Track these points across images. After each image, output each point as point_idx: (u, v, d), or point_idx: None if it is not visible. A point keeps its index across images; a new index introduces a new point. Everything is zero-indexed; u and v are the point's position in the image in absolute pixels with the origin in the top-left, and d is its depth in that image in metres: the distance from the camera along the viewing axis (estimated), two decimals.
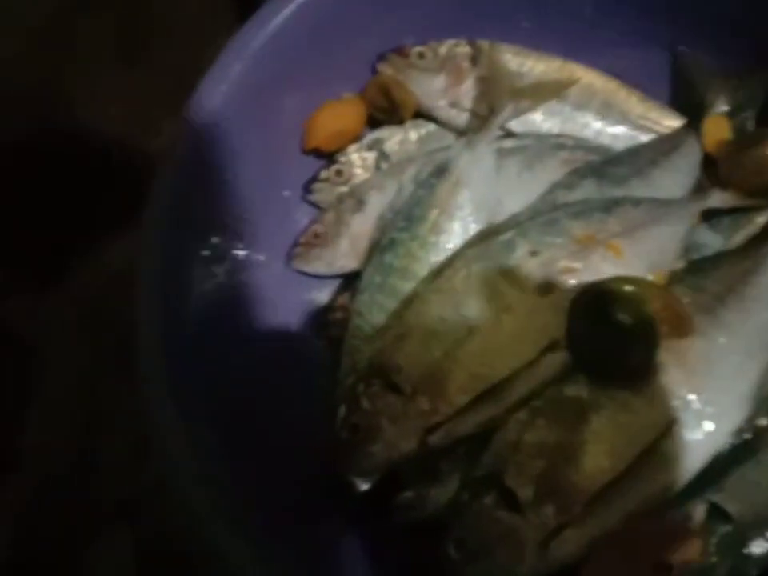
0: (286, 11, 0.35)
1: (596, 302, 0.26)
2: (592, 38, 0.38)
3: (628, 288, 0.26)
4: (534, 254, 0.28)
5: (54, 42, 0.53)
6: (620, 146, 0.36)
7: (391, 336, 0.31)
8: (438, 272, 0.31)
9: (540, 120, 0.36)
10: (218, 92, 0.35)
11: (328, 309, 0.39)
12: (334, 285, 0.40)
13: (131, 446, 0.41)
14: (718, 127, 0.35)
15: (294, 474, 0.33)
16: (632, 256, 0.29)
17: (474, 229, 0.32)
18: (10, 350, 0.46)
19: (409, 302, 0.31)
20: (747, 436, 0.27)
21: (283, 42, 0.36)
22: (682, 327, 0.26)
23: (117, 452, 0.41)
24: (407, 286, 0.33)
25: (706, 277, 0.29)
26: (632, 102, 0.37)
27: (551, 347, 0.27)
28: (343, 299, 0.38)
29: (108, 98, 0.51)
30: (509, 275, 0.28)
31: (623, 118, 0.37)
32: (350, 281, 0.39)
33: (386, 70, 0.38)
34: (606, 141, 0.36)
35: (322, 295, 0.40)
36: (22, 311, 0.46)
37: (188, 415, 0.31)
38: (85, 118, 0.51)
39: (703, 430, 0.26)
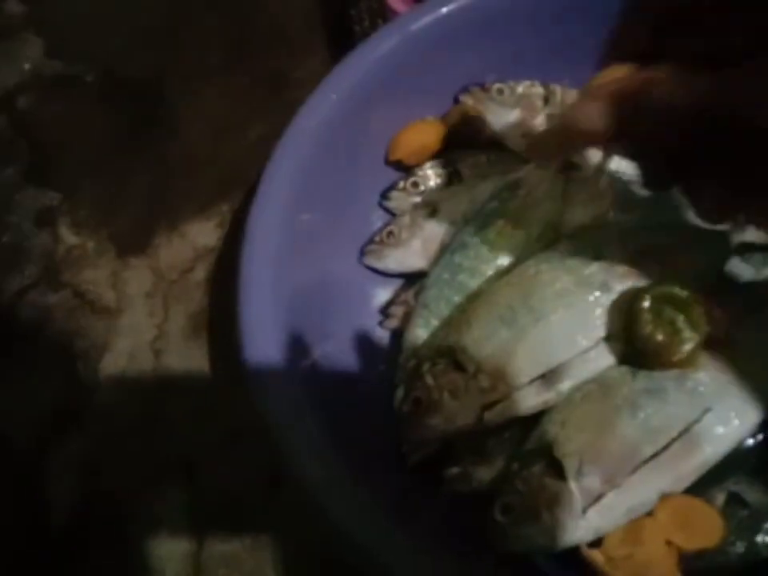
0: (390, 42, 0.42)
1: (655, 301, 0.30)
2: None
3: (682, 292, 0.30)
4: (597, 258, 0.33)
5: (159, 42, 0.59)
6: None
7: (460, 322, 0.35)
8: (507, 270, 0.35)
9: (599, 156, 0.41)
10: (324, 104, 0.41)
11: (391, 302, 0.43)
12: (395, 283, 0.44)
13: (196, 405, 0.45)
14: None
15: (366, 443, 0.36)
16: (679, 269, 0.33)
17: (537, 240, 0.37)
18: (90, 313, 0.50)
19: (478, 294, 0.36)
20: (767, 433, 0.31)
21: (384, 67, 0.42)
22: (719, 328, 0.30)
23: (182, 410, 0.45)
24: (474, 283, 0.37)
25: (738, 296, 0.34)
26: None
27: (606, 339, 0.32)
28: (406, 295, 0.43)
29: (202, 99, 0.57)
30: (574, 274, 0.33)
31: None
32: (411, 280, 0.43)
33: (467, 100, 0.43)
34: None
35: (386, 292, 0.44)
36: (104, 278, 0.51)
37: (286, 382, 0.35)
38: (180, 114, 0.56)
39: (731, 422, 0.30)
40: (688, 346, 0.30)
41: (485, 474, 0.35)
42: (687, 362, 0.30)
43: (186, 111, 0.57)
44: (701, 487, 0.31)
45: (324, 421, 0.34)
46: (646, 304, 0.30)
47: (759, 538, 0.30)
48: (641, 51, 0.27)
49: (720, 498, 0.31)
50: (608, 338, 0.32)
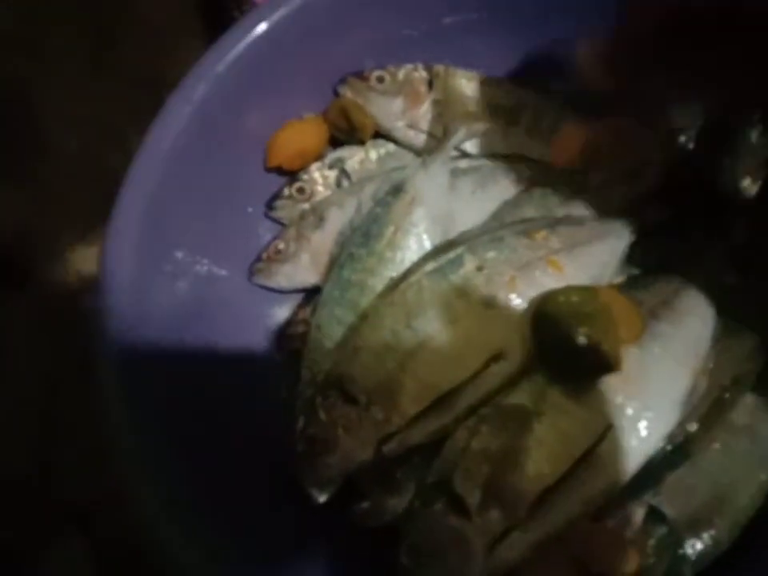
0: (251, 35, 0.37)
1: (553, 314, 0.27)
2: (539, 63, 0.40)
3: (576, 297, 0.27)
4: (480, 269, 0.29)
5: (20, 51, 0.53)
6: None
7: (347, 348, 0.32)
8: (393, 286, 0.32)
9: (492, 142, 0.38)
10: (183, 112, 0.36)
11: (289, 323, 0.40)
12: (294, 300, 0.41)
13: (90, 450, 0.41)
14: None
15: (257, 484, 0.34)
16: (573, 271, 0.30)
17: (428, 245, 0.34)
18: None
19: (365, 315, 0.32)
20: (679, 440, 0.29)
21: (247, 64, 0.37)
22: (636, 327, 0.28)
23: (75, 456, 0.42)
24: (365, 300, 0.34)
25: (643, 291, 0.31)
26: None
27: (496, 358, 0.29)
28: (304, 313, 0.39)
29: (73, 107, 0.51)
30: (457, 289, 0.29)
31: None
32: (310, 296, 0.40)
33: (346, 92, 0.39)
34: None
35: (283, 310, 0.41)
36: None
37: (147, 431, 0.32)
38: (50, 125, 0.51)
39: (639, 435, 0.28)
40: (607, 351, 0.27)
41: (397, 504, 0.32)
42: (608, 368, 0.27)
43: (58, 124, 0.51)
44: (618, 503, 0.29)
45: (203, 471, 0.31)
46: (547, 318, 0.27)
47: (681, 556, 0.28)
48: None
49: (639, 513, 0.29)
50: (497, 357, 0.29)
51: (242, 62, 0.37)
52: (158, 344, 0.35)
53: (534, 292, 0.29)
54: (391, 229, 0.34)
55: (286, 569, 0.33)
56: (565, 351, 0.27)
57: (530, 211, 0.33)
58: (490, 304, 0.29)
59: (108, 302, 0.34)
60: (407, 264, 0.33)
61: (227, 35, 0.37)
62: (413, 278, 0.31)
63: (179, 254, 0.38)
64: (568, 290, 0.28)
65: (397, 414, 0.30)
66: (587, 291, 0.28)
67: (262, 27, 0.37)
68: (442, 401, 0.29)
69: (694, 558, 0.28)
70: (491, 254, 0.30)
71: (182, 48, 0.53)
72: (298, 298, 0.41)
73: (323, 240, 0.38)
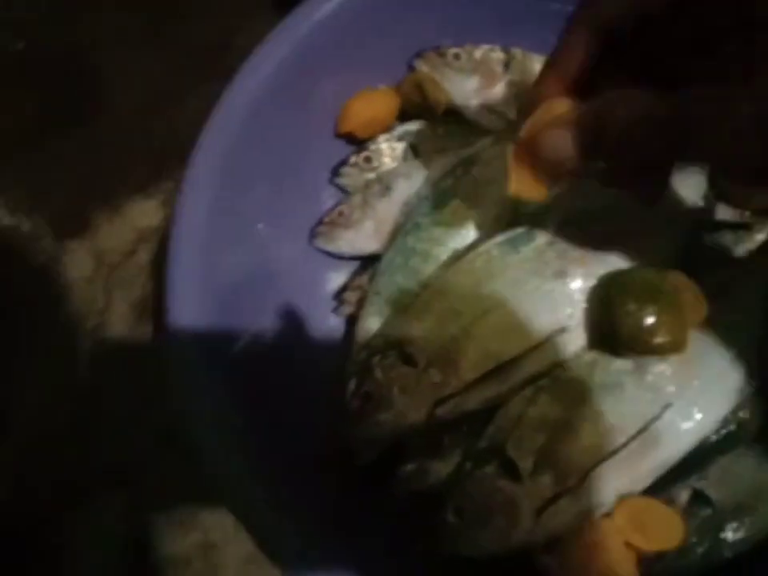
0: (335, 2, 0.38)
1: (625, 289, 0.28)
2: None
3: (649, 274, 0.28)
4: (551, 244, 0.30)
5: (85, 8, 0.54)
6: None
7: (410, 312, 0.33)
8: (460, 256, 0.33)
9: None
10: (262, 71, 0.37)
11: (344, 288, 0.40)
12: (350, 266, 0.41)
13: (135, 401, 0.42)
14: None
15: (307, 443, 0.35)
16: (642, 253, 0.31)
17: (493, 220, 0.35)
18: (25, 301, 0.47)
19: (428, 283, 0.33)
20: (732, 428, 0.30)
21: (329, 31, 0.38)
22: (700, 311, 0.28)
23: (120, 407, 0.42)
24: (428, 269, 0.34)
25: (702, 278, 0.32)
26: None
27: (560, 331, 0.29)
28: (360, 280, 0.40)
29: (135, 70, 0.52)
30: (526, 261, 0.30)
31: None
32: (367, 263, 0.40)
33: (422, 66, 0.40)
34: None
35: (339, 276, 0.41)
36: (41, 263, 0.47)
37: (211, 388, 0.32)
38: (112, 87, 0.52)
39: (693, 417, 0.28)
40: (675, 329, 0.27)
41: (442, 469, 0.33)
42: (675, 346, 0.28)
43: (119, 83, 0.52)
44: (663, 485, 0.29)
45: (255, 423, 0.32)
46: (627, 289, 0.28)
47: (722, 538, 0.29)
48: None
49: (683, 495, 0.29)
50: (561, 330, 0.29)
51: (326, 26, 0.38)
52: (219, 304, 0.35)
53: (603, 270, 0.30)
54: (458, 201, 0.35)
55: (327, 530, 0.33)
56: (633, 327, 0.28)
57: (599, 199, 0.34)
58: (559, 277, 0.29)
59: (174, 261, 0.34)
60: (472, 237, 0.34)
61: (311, 1, 0.38)
62: (482, 248, 0.32)
63: (244, 214, 0.38)
64: (641, 267, 0.28)
65: (455, 377, 0.30)
66: (659, 271, 0.28)
67: None
68: (502, 369, 0.30)
69: (734, 541, 0.29)
70: (563, 231, 0.31)
71: (249, 15, 0.54)
72: (353, 265, 0.41)
73: (389, 209, 0.38)
